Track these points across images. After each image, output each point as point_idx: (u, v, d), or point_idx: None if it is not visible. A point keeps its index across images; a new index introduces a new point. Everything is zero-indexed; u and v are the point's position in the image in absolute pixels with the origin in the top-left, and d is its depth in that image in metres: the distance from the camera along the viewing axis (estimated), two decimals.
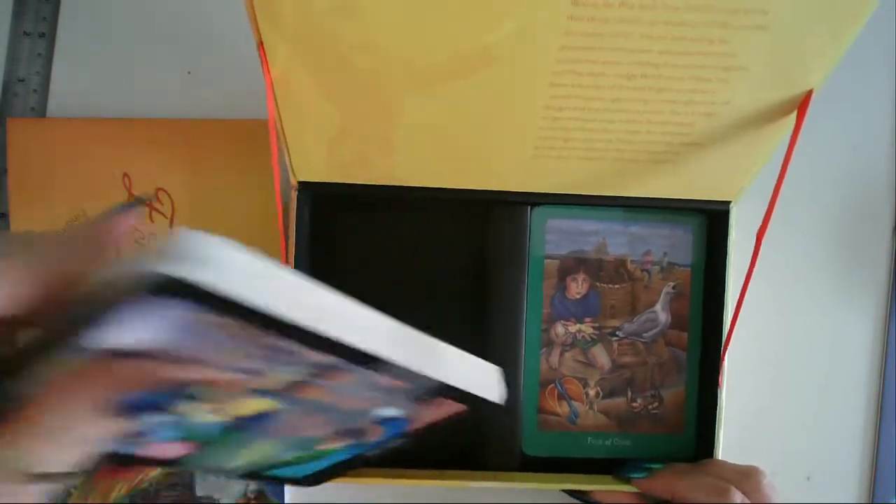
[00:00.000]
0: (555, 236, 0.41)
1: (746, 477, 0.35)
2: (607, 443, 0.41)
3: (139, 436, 0.27)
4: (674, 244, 0.41)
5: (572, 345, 0.41)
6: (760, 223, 0.33)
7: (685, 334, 0.41)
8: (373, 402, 0.28)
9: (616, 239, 0.41)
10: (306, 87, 0.31)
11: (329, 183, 0.38)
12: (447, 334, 0.40)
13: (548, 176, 0.37)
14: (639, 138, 0.33)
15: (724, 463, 0.37)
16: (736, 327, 0.37)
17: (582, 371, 0.41)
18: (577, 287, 0.41)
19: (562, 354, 0.41)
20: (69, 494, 0.41)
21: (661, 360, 0.41)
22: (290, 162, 0.36)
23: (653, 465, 0.38)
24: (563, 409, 0.41)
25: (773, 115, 0.32)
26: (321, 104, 0.32)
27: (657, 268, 0.41)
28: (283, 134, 0.34)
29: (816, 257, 0.45)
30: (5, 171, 0.42)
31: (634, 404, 0.41)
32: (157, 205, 0.42)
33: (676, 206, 0.39)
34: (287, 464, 0.32)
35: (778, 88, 0.30)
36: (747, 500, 0.34)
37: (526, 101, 0.31)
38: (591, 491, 0.39)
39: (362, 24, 0.27)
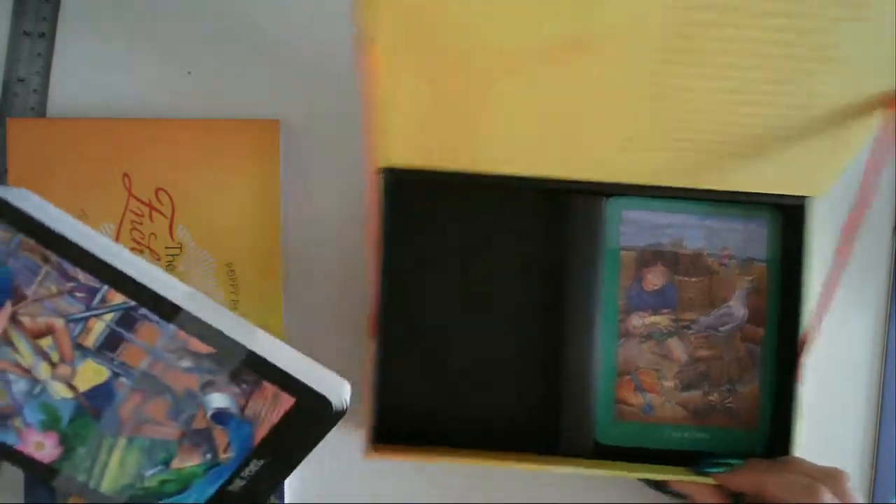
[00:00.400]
0: (630, 228, 0.41)
1: (831, 477, 0.34)
2: (683, 435, 0.41)
3: (12, 414, 0.31)
4: (751, 239, 0.41)
5: (648, 336, 0.41)
6: (839, 219, 0.33)
7: (761, 329, 0.41)
8: (194, 377, 0.31)
9: (692, 232, 0.41)
10: (403, 68, 0.30)
11: (411, 169, 0.38)
12: (523, 323, 0.41)
13: (633, 166, 0.37)
14: (731, 130, 0.33)
15: (806, 461, 0.37)
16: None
17: (658, 363, 0.41)
18: (654, 279, 0.41)
19: (638, 346, 0.41)
20: (69, 494, 0.41)
21: (736, 354, 0.41)
22: (374, 147, 0.35)
23: (731, 461, 0.37)
24: (638, 400, 0.41)
25: (863, 109, 0.32)
26: (416, 85, 0.31)
27: (734, 262, 0.41)
28: (373, 119, 0.33)
29: (815, 256, 0.45)
30: (5, 171, 0.42)
31: (710, 398, 0.41)
32: (156, 204, 0.42)
33: (755, 201, 0.40)
34: (158, 493, 0.33)
35: (872, 82, 0.30)
36: (837, 501, 0.33)
37: (625, 90, 0.31)
38: (670, 481, 0.39)
39: (463, 3, 0.27)
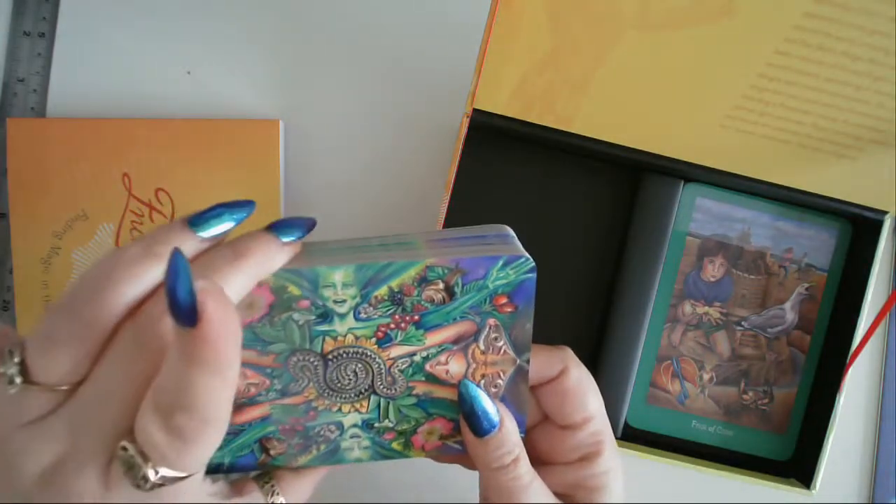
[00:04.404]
0: (701, 215, 0.41)
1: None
2: (710, 429, 0.41)
3: None
4: (817, 247, 0.41)
5: (696, 326, 0.41)
6: None
7: (808, 337, 0.41)
8: None
9: (761, 231, 0.41)
10: (534, 6, 0.30)
11: (502, 116, 0.37)
12: (574, 295, 0.41)
13: (725, 148, 0.37)
14: (833, 127, 0.33)
15: None
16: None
17: (700, 354, 0.41)
18: (714, 270, 0.41)
19: (684, 333, 0.41)
20: None
21: (779, 358, 0.41)
22: (474, 88, 0.35)
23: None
24: (674, 387, 0.41)
25: None
26: (540, 24, 0.31)
27: (795, 266, 0.41)
28: (484, 57, 0.33)
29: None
30: (5, 171, 0.42)
31: (745, 396, 0.41)
32: (156, 205, 0.42)
33: (834, 210, 0.39)
34: None
35: None
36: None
37: (742, 64, 0.31)
38: None
39: None
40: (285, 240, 0.25)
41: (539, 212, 0.41)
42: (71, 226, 0.42)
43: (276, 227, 0.25)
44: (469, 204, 0.41)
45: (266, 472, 0.28)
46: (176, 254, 0.19)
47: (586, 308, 0.41)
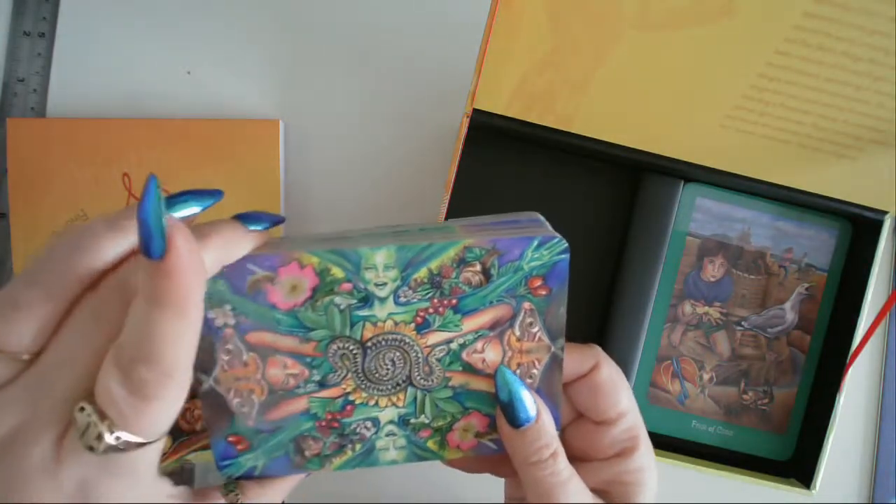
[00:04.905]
0: (701, 215, 0.41)
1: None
2: (710, 429, 0.41)
3: None
4: (817, 247, 0.41)
5: (696, 326, 0.41)
6: None
7: (808, 337, 0.41)
8: None
9: (761, 231, 0.41)
10: (534, 6, 0.30)
11: (502, 116, 0.38)
12: (575, 290, 0.40)
13: (725, 148, 0.37)
14: (833, 127, 0.33)
15: None
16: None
17: (700, 354, 0.41)
18: (714, 270, 0.41)
19: (684, 333, 0.41)
20: None
21: (779, 358, 0.41)
22: (474, 88, 0.35)
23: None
24: (674, 387, 0.41)
25: None
26: (540, 24, 0.31)
27: (795, 266, 0.41)
28: (484, 57, 0.33)
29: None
30: (5, 171, 0.42)
31: (745, 396, 0.41)
32: None
33: (834, 210, 0.39)
34: None
35: None
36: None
37: (742, 64, 0.31)
38: None
39: None
40: (251, 228, 0.25)
41: (539, 212, 0.41)
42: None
43: (242, 217, 0.25)
44: (469, 204, 0.41)
45: (231, 481, 0.27)
46: (152, 179, 0.19)
47: (586, 308, 0.41)
